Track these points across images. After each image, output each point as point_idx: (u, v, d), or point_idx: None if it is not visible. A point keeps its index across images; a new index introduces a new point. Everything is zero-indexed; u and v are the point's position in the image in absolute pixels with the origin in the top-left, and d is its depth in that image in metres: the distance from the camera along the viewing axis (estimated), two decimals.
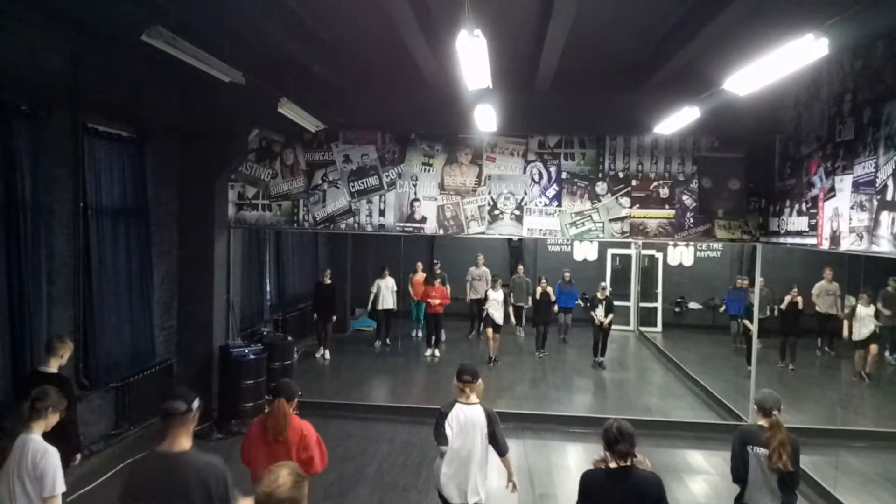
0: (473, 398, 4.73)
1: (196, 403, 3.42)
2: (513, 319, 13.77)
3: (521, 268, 14.63)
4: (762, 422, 4.38)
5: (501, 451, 4.71)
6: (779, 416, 4.31)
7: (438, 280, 13.01)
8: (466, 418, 4.63)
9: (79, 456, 5.29)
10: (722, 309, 13.98)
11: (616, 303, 15.13)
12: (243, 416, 8.29)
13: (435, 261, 14.45)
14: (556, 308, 13.45)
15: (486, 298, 12.48)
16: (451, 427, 4.62)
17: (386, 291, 13.04)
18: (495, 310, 12.10)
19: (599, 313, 12.21)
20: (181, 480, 3.10)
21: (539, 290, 12.94)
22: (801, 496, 6.85)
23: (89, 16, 6.22)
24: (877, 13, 4.94)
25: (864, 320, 10.69)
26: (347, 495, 6.64)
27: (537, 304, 13.07)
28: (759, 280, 9.66)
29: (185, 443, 3.25)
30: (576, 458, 8.04)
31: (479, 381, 4.78)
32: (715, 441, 8.51)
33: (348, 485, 6.86)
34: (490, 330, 12.13)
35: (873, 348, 10.76)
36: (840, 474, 7.01)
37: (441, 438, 4.66)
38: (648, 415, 9.50)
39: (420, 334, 13.96)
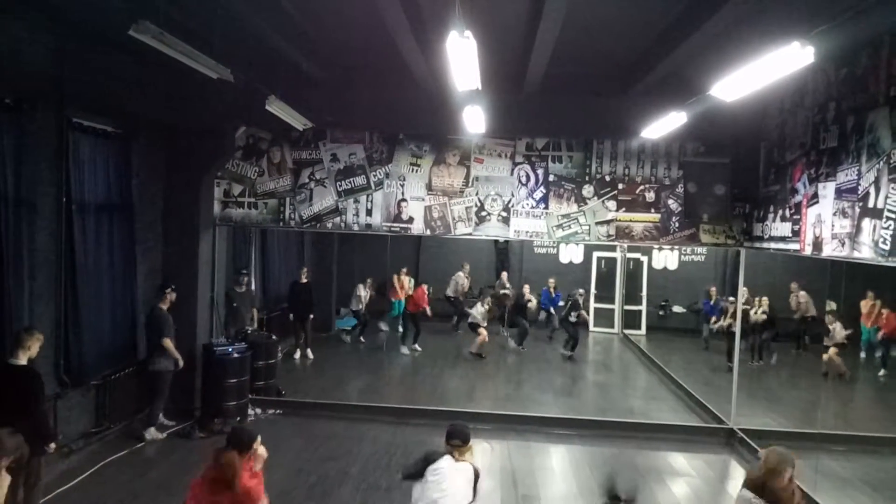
0: (464, 459, 4.28)
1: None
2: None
3: (504, 274, 15.29)
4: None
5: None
6: (793, 473, 3.69)
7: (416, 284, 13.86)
8: (452, 473, 4.18)
9: (52, 445, 5.26)
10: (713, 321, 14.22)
11: (601, 305, 16.89)
12: (226, 415, 8.24)
13: (403, 269, 14.79)
14: (537, 308, 14.48)
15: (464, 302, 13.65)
16: (434, 475, 4.16)
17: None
18: (477, 321, 12.78)
19: (573, 314, 13.13)
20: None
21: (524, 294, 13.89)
22: None
23: (76, 9, 6.15)
24: (862, 22, 5.00)
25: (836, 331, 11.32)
26: (331, 496, 6.61)
27: (516, 305, 13.94)
28: (741, 287, 9.72)
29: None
30: (559, 460, 8.07)
31: (471, 444, 4.33)
32: (697, 444, 8.59)
33: (332, 485, 6.83)
34: (483, 330, 12.69)
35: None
36: (820, 477, 7.08)
37: (409, 470, 4.37)
38: (631, 417, 9.55)
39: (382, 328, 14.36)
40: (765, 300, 12.45)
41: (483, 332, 12.69)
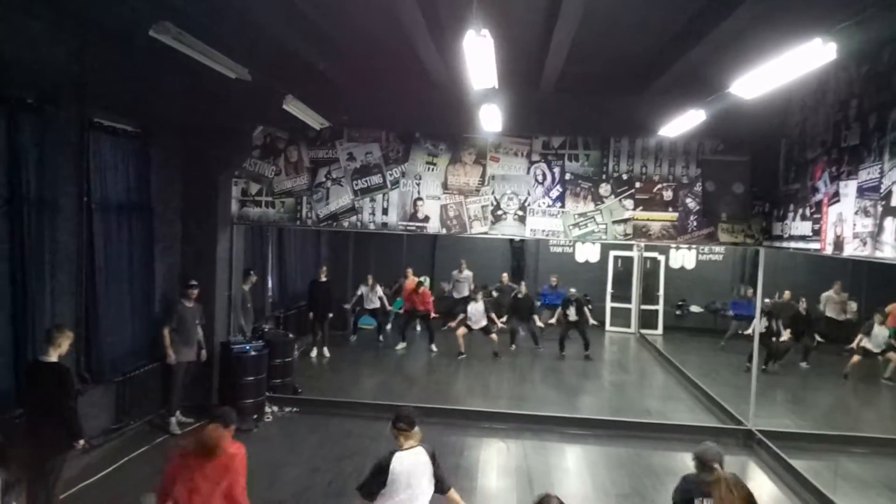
0: (412, 443, 4.22)
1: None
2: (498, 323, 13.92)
3: (504, 276, 15.41)
4: (704, 476, 4.01)
5: (444, 489, 4.24)
6: (720, 468, 3.95)
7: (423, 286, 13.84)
8: (410, 464, 4.12)
9: (81, 441, 5.33)
10: (730, 313, 14.27)
11: (617, 305, 16.78)
12: (243, 413, 8.29)
13: (408, 269, 14.79)
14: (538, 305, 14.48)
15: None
16: (393, 478, 4.05)
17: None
18: (474, 320, 12.81)
19: (571, 312, 13.13)
20: None
21: (520, 293, 13.85)
22: (801, 502, 6.87)
23: (96, 10, 6.23)
24: (885, 19, 4.93)
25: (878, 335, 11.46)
26: (347, 494, 6.62)
27: (517, 304, 13.70)
28: (760, 287, 9.61)
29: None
30: (575, 460, 8.04)
31: (417, 428, 4.25)
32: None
33: (347, 483, 6.85)
34: (462, 329, 12.76)
35: (893, 356, 11.48)
36: (840, 480, 7.00)
37: (364, 490, 4.12)
38: (648, 417, 9.49)
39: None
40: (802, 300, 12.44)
41: (462, 329, 12.74)
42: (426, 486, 4.14)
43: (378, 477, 4.08)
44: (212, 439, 4.03)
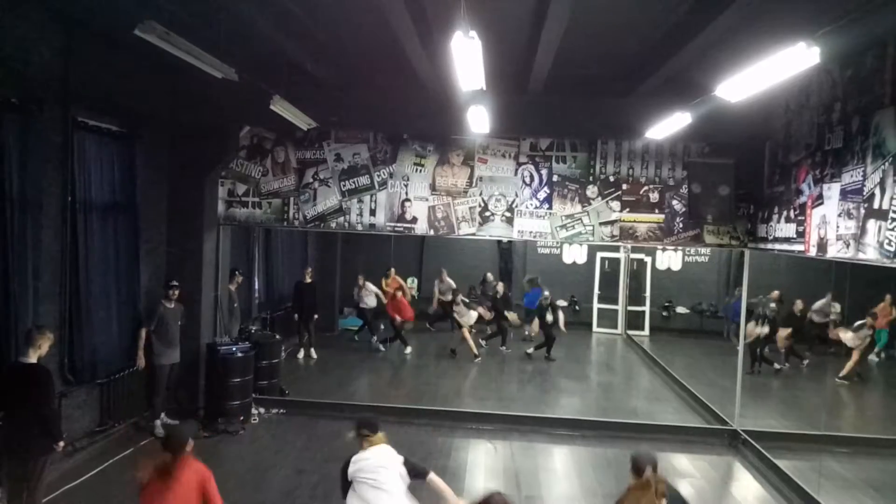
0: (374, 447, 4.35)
1: None
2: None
3: (489, 275, 15.41)
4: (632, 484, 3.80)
5: (422, 473, 4.37)
6: (652, 475, 3.70)
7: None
8: (374, 462, 4.27)
9: (61, 443, 5.27)
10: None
11: (604, 306, 16.81)
12: (230, 415, 8.26)
13: (390, 268, 14.63)
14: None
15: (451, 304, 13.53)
16: (354, 476, 4.25)
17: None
18: (461, 315, 12.93)
19: (548, 317, 13.08)
20: None
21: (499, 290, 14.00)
22: (786, 501, 6.93)
23: (82, 9, 6.18)
24: (868, 24, 4.99)
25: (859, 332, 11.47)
26: (333, 495, 6.57)
27: (496, 302, 13.77)
28: (745, 288, 9.68)
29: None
30: (562, 461, 8.06)
31: (381, 433, 4.37)
32: (700, 445, 8.58)
33: (334, 485, 6.77)
34: (465, 330, 12.79)
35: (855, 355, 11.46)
36: (823, 479, 7.07)
37: (343, 493, 4.35)
38: (635, 418, 9.54)
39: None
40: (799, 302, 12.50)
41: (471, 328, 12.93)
42: (394, 479, 4.23)
43: (343, 481, 4.30)
44: (173, 468, 4.00)
